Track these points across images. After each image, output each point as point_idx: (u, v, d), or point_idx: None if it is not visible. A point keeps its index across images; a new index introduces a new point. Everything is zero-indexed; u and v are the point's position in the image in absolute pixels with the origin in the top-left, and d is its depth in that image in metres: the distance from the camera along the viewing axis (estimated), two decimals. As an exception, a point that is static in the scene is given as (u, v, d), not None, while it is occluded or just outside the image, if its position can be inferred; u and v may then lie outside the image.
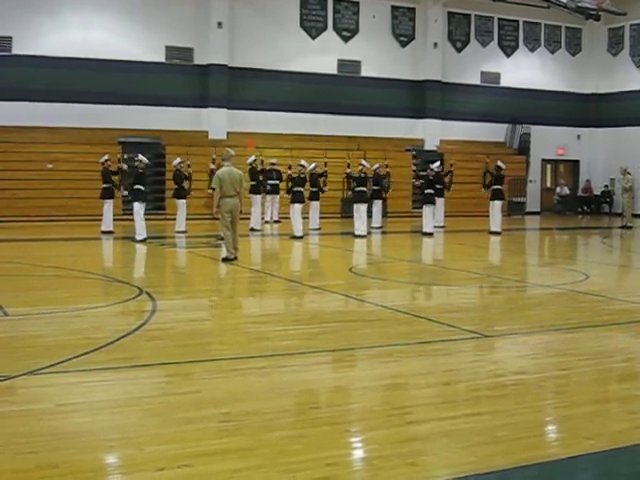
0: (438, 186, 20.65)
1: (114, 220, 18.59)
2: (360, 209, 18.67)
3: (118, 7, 23.80)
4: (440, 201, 21.30)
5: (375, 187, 21.15)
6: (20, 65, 22.43)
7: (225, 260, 13.08)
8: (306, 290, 10.74)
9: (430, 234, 19.15)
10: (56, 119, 22.52)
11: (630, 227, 23.44)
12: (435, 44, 28.33)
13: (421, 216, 19.72)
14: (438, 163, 21.04)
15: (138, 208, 16.81)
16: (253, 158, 20.76)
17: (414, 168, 23.88)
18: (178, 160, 19.41)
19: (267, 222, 21.67)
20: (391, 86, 27.79)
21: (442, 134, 28.45)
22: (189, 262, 14.87)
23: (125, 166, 18.54)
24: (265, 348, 6.84)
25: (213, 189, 13.40)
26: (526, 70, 30.31)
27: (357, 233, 18.46)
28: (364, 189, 19.20)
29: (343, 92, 26.78)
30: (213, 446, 4.38)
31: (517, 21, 30.37)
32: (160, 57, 24.57)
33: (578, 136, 31.66)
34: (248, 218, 19.22)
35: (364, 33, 27.42)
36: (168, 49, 24.65)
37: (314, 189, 19.88)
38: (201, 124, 24.85)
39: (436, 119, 28.47)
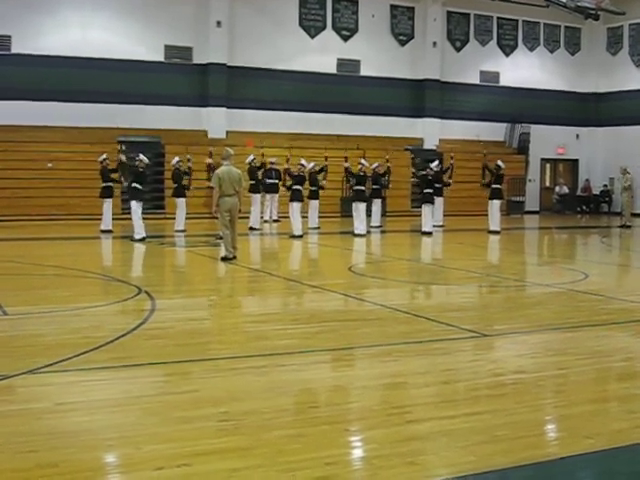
0: (437, 185, 20.65)
1: (113, 219, 18.59)
2: (359, 208, 18.67)
3: (117, 6, 23.79)
4: (439, 200, 21.31)
5: (374, 186, 21.17)
6: (19, 64, 22.42)
7: (224, 259, 13.08)
8: (305, 289, 10.74)
9: (429, 233, 19.15)
10: (56, 118, 22.51)
11: (629, 226, 23.45)
12: (434, 43, 28.34)
13: (420, 215, 19.71)
14: (437, 162, 21.03)
15: (135, 207, 16.81)
16: (252, 157, 20.75)
17: (412, 170, 23.85)
18: (177, 159, 19.41)
19: (266, 221, 21.67)
20: (390, 85, 27.80)
21: (441, 133, 28.47)
22: (188, 261, 14.87)
23: (124, 157, 18.45)
24: (264, 347, 6.84)
25: (211, 188, 13.40)
26: (525, 69, 30.32)
27: (356, 232, 18.46)
28: (363, 188, 19.19)
29: (342, 91, 26.79)
30: (212, 445, 4.38)
31: (516, 20, 30.38)
32: (159, 56, 24.57)
33: (577, 135, 31.68)
34: (247, 217, 19.21)
35: (363, 32, 27.43)
36: (167, 48, 24.65)
37: (313, 188, 19.88)
38: (200, 123, 24.86)
39: (435, 118, 28.50)
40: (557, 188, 31.24)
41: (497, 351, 7.20)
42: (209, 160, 19.36)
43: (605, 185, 31.02)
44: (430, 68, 28.37)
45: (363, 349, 6.98)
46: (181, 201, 19.23)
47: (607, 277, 12.87)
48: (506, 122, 29.86)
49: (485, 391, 5.66)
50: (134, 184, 17.17)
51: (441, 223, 21.64)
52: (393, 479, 3.99)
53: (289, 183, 19.17)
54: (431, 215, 19.62)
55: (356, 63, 27.45)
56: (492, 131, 29.27)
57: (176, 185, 19.27)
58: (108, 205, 18.40)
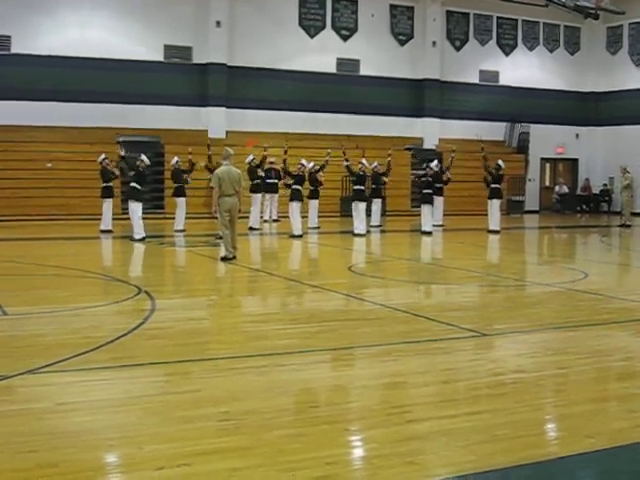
0: (437, 185, 20.65)
1: (113, 219, 18.58)
2: (359, 208, 18.67)
3: (117, 6, 23.79)
4: (439, 200, 21.31)
5: (374, 186, 21.19)
6: (19, 64, 22.42)
7: (224, 259, 13.08)
8: (305, 289, 10.74)
9: (429, 233, 19.15)
10: (55, 118, 22.51)
11: (629, 225, 23.45)
12: (434, 43, 28.34)
13: (420, 215, 19.71)
14: (436, 162, 21.02)
15: (134, 207, 16.80)
16: (252, 157, 20.74)
17: (413, 172, 23.87)
18: (176, 159, 19.42)
19: (266, 221, 21.67)
20: (390, 85, 27.80)
21: (441, 133, 28.46)
22: (188, 261, 14.87)
23: (123, 152, 18.38)
24: (264, 347, 6.84)
25: (211, 170, 13.32)
26: (525, 69, 30.32)
27: (356, 232, 18.45)
28: (363, 188, 19.19)
29: (342, 91, 26.79)
30: (212, 445, 4.38)
31: (516, 20, 30.38)
32: (159, 56, 24.57)
33: (577, 135, 31.68)
34: (247, 217, 19.21)
35: (363, 32, 27.43)
36: (167, 48, 24.65)
37: (313, 188, 19.88)
38: (200, 123, 24.85)
39: (435, 118, 28.50)
40: (557, 187, 31.23)
41: (497, 350, 7.20)
42: (209, 152, 19.26)
43: (605, 184, 31.02)
44: (430, 68, 28.37)
45: (363, 349, 6.99)
46: (181, 201, 19.22)
47: (607, 276, 12.87)
48: (506, 121, 29.87)
49: (485, 390, 5.67)
50: (133, 184, 17.17)
51: (441, 222, 21.64)
52: (393, 479, 3.99)
53: (290, 182, 19.14)
54: (431, 215, 19.62)
55: (356, 63, 27.45)
56: (492, 131, 29.24)
57: (176, 185, 19.27)
58: (108, 205, 18.39)
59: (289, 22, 26.32)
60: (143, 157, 17.54)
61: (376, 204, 21.31)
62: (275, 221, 21.92)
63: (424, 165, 22.17)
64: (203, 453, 4.25)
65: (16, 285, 10.61)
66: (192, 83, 24.90)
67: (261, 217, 20.94)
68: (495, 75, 30.04)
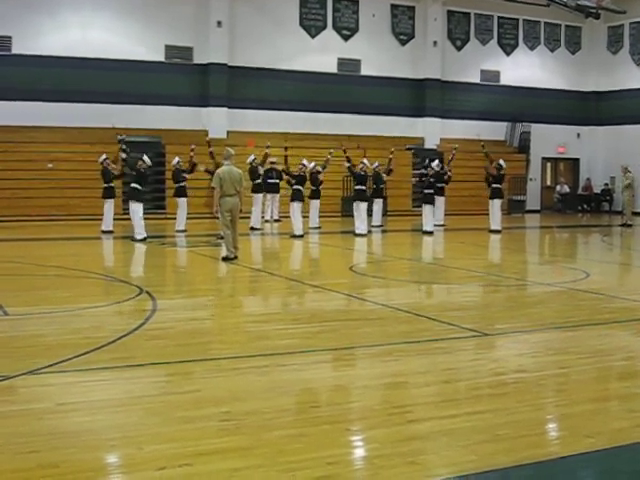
0: (439, 185, 20.65)
1: (114, 220, 18.58)
2: (360, 208, 18.66)
3: (118, 6, 23.80)
4: (440, 200, 21.30)
5: (375, 186, 21.20)
6: (20, 65, 22.43)
7: (225, 259, 13.08)
8: (306, 289, 10.74)
9: (430, 233, 19.15)
10: (56, 119, 22.52)
11: (630, 225, 23.43)
12: (435, 42, 28.33)
13: (421, 215, 19.71)
14: (437, 162, 21.02)
15: (135, 208, 16.81)
16: (253, 157, 20.75)
17: (414, 172, 23.85)
18: (177, 159, 19.42)
19: (267, 221, 21.67)
20: (391, 85, 27.79)
21: (442, 132, 28.44)
22: (189, 261, 14.87)
23: (124, 155, 18.37)
24: (265, 347, 6.84)
25: (211, 172, 13.34)
26: (526, 68, 30.31)
27: (357, 232, 18.45)
28: (364, 188, 19.19)
29: (343, 91, 26.78)
30: (213, 445, 4.38)
31: (517, 19, 30.36)
32: (160, 56, 24.57)
33: (578, 134, 31.66)
34: (248, 217, 19.21)
35: (364, 32, 27.41)
36: (168, 48, 24.65)
37: (314, 188, 19.89)
38: (201, 123, 24.83)
39: (436, 117, 28.48)
40: (558, 187, 31.22)
41: (498, 350, 7.20)
42: (210, 149, 19.21)
43: (606, 184, 31.00)
44: (431, 67, 28.36)
45: (364, 349, 6.98)
46: (182, 201, 19.23)
47: (608, 276, 12.86)
48: (507, 121, 29.86)
49: (486, 390, 5.67)
50: (134, 185, 17.18)
51: (442, 222, 21.63)
52: (394, 479, 3.99)
53: (292, 181, 19.13)
54: (432, 214, 19.62)
55: (357, 63, 27.44)
56: (493, 130, 29.23)
57: (177, 185, 19.28)
58: (109, 206, 18.39)
59: (290, 22, 26.32)
60: (145, 158, 17.53)
61: (377, 204, 21.31)
62: (276, 221, 21.92)
63: (426, 162, 22.17)
64: (204, 453, 4.25)
65: (17, 285, 10.62)
66: (193, 83, 24.90)
67: (262, 217, 20.94)
68: (496, 75, 30.03)
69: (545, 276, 12.83)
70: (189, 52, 24.98)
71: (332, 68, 27.05)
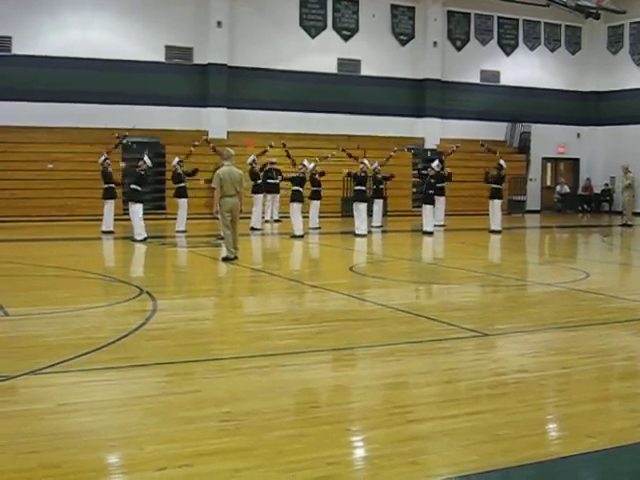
0: (439, 185, 20.64)
1: (114, 220, 18.57)
2: (360, 208, 18.66)
3: (118, 7, 23.79)
4: (440, 200, 21.29)
5: (375, 186, 21.21)
6: (20, 65, 22.43)
7: (225, 259, 13.08)
8: (306, 289, 10.74)
9: (430, 233, 19.15)
10: (56, 119, 22.52)
11: (630, 225, 23.44)
12: (435, 43, 28.33)
13: (421, 215, 19.71)
14: (437, 162, 21.01)
15: (135, 208, 16.81)
16: (253, 158, 20.75)
17: (415, 172, 23.82)
18: (177, 160, 19.43)
19: (267, 221, 21.67)
20: (391, 85, 27.79)
21: (442, 133, 28.43)
22: (189, 261, 14.87)
23: (124, 164, 18.41)
24: (265, 347, 6.84)
25: (213, 188, 13.38)
26: (526, 68, 30.30)
27: (357, 232, 18.45)
28: (364, 188, 19.19)
29: (343, 91, 26.78)
30: (213, 445, 4.38)
31: (517, 19, 30.36)
32: (160, 57, 24.56)
33: (578, 134, 31.66)
34: (248, 217, 19.21)
35: (364, 32, 27.41)
36: (168, 49, 24.65)
37: (314, 188, 19.90)
38: (201, 123, 24.84)
39: (436, 118, 28.48)
40: (558, 187, 31.22)
41: (499, 350, 7.20)
42: (204, 179, 19.27)
43: (606, 184, 31.00)
44: (431, 68, 28.36)
45: (364, 349, 6.98)
46: (182, 202, 19.23)
47: (608, 276, 12.86)
48: (507, 121, 29.85)
49: (487, 390, 5.66)
50: (134, 186, 17.18)
51: (442, 223, 21.62)
52: (395, 479, 3.99)
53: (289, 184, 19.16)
54: (432, 215, 19.61)
55: (357, 63, 27.44)
56: (493, 131, 29.24)
57: (177, 186, 19.28)
58: (110, 206, 18.38)
59: (290, 22, 26.31)
60: (145, 158, 17.55)
61: (377, 204, 21.32)
62: (276, 221, 21.92)
63: (427, 168, 22.18)
64: (204, 454, 4.25)
65: (17, 286, 10.61)
66: (193, 83, 24.89)
67: (262, 217, 20.95)
68: (496, 75, 30.03)
69: (545, 276, 12.83)
70: (189, 52, 24.97)
71: (332, 68, 27.05)
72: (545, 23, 30.86)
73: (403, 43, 28.21)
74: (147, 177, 17.88)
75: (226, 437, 4.54)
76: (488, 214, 20.55)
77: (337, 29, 27.12)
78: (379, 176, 21.18)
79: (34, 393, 5.44)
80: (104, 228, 18.26)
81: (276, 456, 4.23)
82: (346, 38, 27.25)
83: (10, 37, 22.52)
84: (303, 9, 26.54)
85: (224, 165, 13.29)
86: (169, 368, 6.19)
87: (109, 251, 16.65)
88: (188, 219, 19.27)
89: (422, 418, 4.94)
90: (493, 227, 20.13)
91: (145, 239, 16.54)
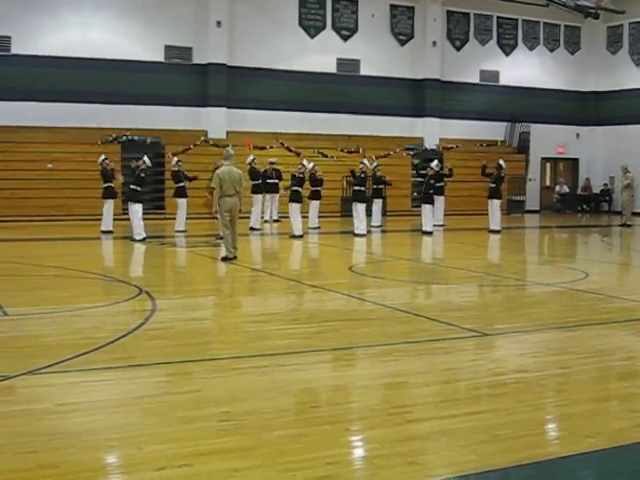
0: (438, 184, 20.64)
1: (114, 220, 18.57)
2: (359, 208, 18.65)
3: (117, 7, 23.79)
4: (440, 200, 21.30)
5: (375, 186, 21.23)
6: (19, 65, 22.41)
7: (225, 259, 13.08)
8: (306, 289, 10.75)
9: (430, 233, 19.15)
10: (56, 119, 22.51)
11: (629, 225, 23.44)
12: (434, 43, 28.32)
13: (421, 215, 19.71)
14: (437, 162, 21.02)
15: (135, 208, 16.81)
16: (252, 158, 20.76)
17: (414, 171, 23.82)
18: (176, 159, 19.42)
19: (266, 221, 21.66)
20: (390, 85, 27.79)
21: (441, 133, 28.43)
22: (189, 261, 14.87)
23: (122, 178, 18.53)
24: (265, 347, 6.84)
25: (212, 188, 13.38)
26: (525, 68, 30.30)
27: (357, 232, 18.45)
28: (363, 188, 19.19)
29: (342, 91, 26.77)
30: (213, 445, 4.38)
31: (516, 19, 30.36)
32: (159, 56, 24.55)
33: (577, 134, 31.65)
34: (248, 217, 19.21)
35: (363, 32, 27.41)
36: (167, 48, 24.64)
37: (314, 188, 19.91)
38: (200, 123, 24.83)
39: (435, 118, 28.47)
40: (557, 187, 31.22)
41: (498, 350, 7.20)
42: (207, 193, 19.31)
43: (605, 184, 31.00)
44: (430, 67, 28.36)
45: (364, 349, 6.98)
46: (182, 201, 19.23)
47: (608, 276, 12.86)
48: (506, 121, 29.84)
49: (486, 390, 5.67)
50: (133, 186, 17.18)
51: (442, 222, 21.63)
52: (394, 479, 3.99)
53: (288, 184, 19.17)
54: (431, 214, 19.61)
55: (356, 63, 27.44)
56: (492, 130, 29.25)
57: (176, 185, 19.28)
58: (109, 206, 18.37)
59: (289, 22, 26.31)
60: (145, 158, 17.55)
61: (377, 204, 21.33)
62: (276, 221, 21.92)
63: (426, 168, 22.19)
64: (204, 453, 4.25)
65: (16, 286, 10.61)
66: (192, 83, 24.88)
67: (262, 217, 20.94)
68: (495, 75, 30.03)
69: (544, 276, 12.83)
70: (188, 52, 24.96)
71: (331, 68, 27.04)
72: (544, 23, 30.86)
73: (402, 43, 28.21)
74: (147, 177, 17.88)
75: (225, 437, 4.54)
76: (487, 214, 20.56)
77: (336, 29, 27.12)
78: (378, 174, 21.21)
79: (33, 393, 5.44)
80: (103, 228, 18.26)
81: (276, 456, 4.24)
82: (345, 38, 27.24)
83: (10, 37, 22.51)
84: (302, 9, 26.54)
85: (223, 165, 13.29)
86: (168, 368, 6.18)
87: (108, 251, 16.65)
88: (187, 219, 19.28)
89: (421, 418, 4.94)
90: (492, 227, 20.14)
91: (144, 239, 16.54)
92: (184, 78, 24.83)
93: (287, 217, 19.06)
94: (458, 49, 29.31)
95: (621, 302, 9.60)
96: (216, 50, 24.87)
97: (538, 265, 15.07)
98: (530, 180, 30.16)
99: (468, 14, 29.47)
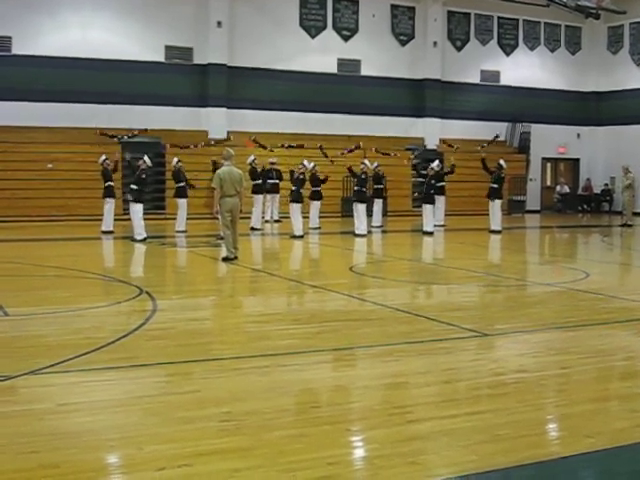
0: (439, 184, 20.64)
1: (114, 220, 18.56)
2: (359, 209, 18.65)
3: (118, 7, 23.79)
4: (441, 200, 21.30)
5: (376, 186, 21.23)
6: (20, 65, 22.42)
7: (225, 259, 13.08)
8: (306, 289, 10.75)
9: (430, 233, 19.14)
10: (56, 119, 22.52)
11: (630, 225, 23.44)
12: (435, 43, 28.32)
13: (421, 215, 19.71)
14: (437, 162, 21.02)
15: (135, 208, 16.81)
16: (253, 158, 20.77)
17: (413, 171, 23.79)
18: (177, 159, 19.43)
19: (267, 221, 21.67)
20: (391, 85, 27.79)
21: (442, 133, 28.44)
22: (189, 262, 14.87)
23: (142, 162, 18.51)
24: (266, 347, 6.84)
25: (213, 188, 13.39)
26: (526, 68, 30.30)
27: (357, 232, 18.45)
28: (363, 189, 19.18)
29: (343, 91, 26.78)
30: (213, 445, 4.38)
31: (517, 20, 30.36)
32: (160, 57, 24.56)
33: (578, 134, 31.65)
34: (248, 217, 19.21)
35: (364, 32, 27.41)
36: (168, 49, 24.64)
37: (314, 189, 19.91)
38: (200, 124, 24.84)
39: (436, 118, 28.48)
40: (558, 187, 31.23)
41: (498, 350, 7.20)
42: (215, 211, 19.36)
43: (606, 184, 30.99)
44: (430, 68, 28.36)
45: (364, 349, 6.98)
46: (182, 202, 19.24)
47: (608, 276, 12.86)
48: (507, 121, 29.85)
49: (486, 390, 5.67)
50: (133, 186, 17.19)
51: (442, 223, 21.63)
52: (394, 479, 3.99)
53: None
54: (432, 215, 19.61)
55: (357, 63, 27.44)
56: (493, 130, 29.26)
57: (177, 186, 19.29)
58: (110, 206, 18.36)
59: (290, 22, 26.31)
60: (145, 158, 17.55)
61: (377, 204, 21.33)
62: (276, 221, 21.92)
63: (427, 168, 22.20)
64: (204, 454, 4.25)
65: (17, 286, 10.62)
66: (192, 83, 24.89)
67: (262, 217, 20.95)
68: (496, 75, 30.03)
69: (545, 276, 12.83)
70: (189, 52, 24.97)
71: (332, 68, 27.05)
72: (545, 23, 30.86)
73: (403, 43, 28.21)
74: (147, 177, 17.87)
75: (226, 437, 4.54)
76: (488, 214, 20.55)
77: (337, 29, 27.12)
78: (380, 173, 21.22)
79: (34, 393, 5.44)
80: (104, 228, 18.26)
81: (276, 456, 4.24)
82: (346, 38, 27.25)
83: (10, 37, 22.52)
84: (303, 9, 26.54)
85: (224, 165, 13.29)
86: (169, 368, 6.19)
87: (109, 251, 16.65)
88: (188, 219, 19.28)
89: (421, 418, 4.94)
90: (493, 227, 20.14)
91: (145, 239, 16.54)
92: (184, 78, 24.84)
93: (288, 217, 19.06)
94: (459, 49, 29.31)
95: (621, 302, 9.60)
96: (216, 50, 24.88)
97: (539, 265, 15.07)
98: (531, 180, 30.15)
99: (469, 14, 29.47)
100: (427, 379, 5.95)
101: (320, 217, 20.33)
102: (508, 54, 30.32)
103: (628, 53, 30.52)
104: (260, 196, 20.58)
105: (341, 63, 27.19)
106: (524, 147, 29.83)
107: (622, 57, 30.76)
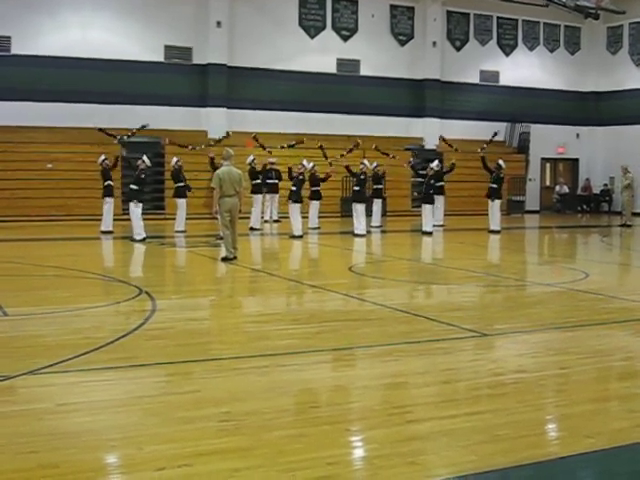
0: (438, 184, 20.64)
1: (113, 220, 18.57)
2: (357, 209, 18.64)
3: (117, 7, 23.79)
4: (440, 200, 21.32)
5: (375, 186, 21.22)
6: (19, 65, 22.41)
7: (225, 259, 13.08)
8: (306, 289, 10.75)
9: (430, 233, 19.15)
10: (55, 119, 22.51)
11: (629, 225, 23.44)
12: (434, 43, 28.32)
13: (421, 215, 19.71)
14: (437, 162, 21.03)
15: (134, 208, 16.81)
16: (252, 158, 20.78)
17: (412, 171, 23.75)
18: (176, 159, 19.43)
19: (266, 221, 21.67)
20: (390, 85, 27.79)
21: (441, 133, 28.42)
22: (188, 261, 14.87)
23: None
24: (265, 347, 6.85)
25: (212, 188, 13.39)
26: (525, 69, 30.31)
27: (356, 232, 18.45)
28: (362, 189, 19.17)
29: (342, 91, 26.78)
30: (213, 445, 4.38)
31: (516, 20, 30.36)
32: (159, 57, 24.55)
33: (577, 135, 31.65)
34: (248, 217, 19.21)
35: (363, 32, 27.41)
36: (167, 48, 24.63)
37: (314, 188, 19.91)
38: (200, 124, 24.84)
39: (435, 118, 28.47)
40: (557, 187, 31.23)
41: (498, 350, 7.20)
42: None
43: (605, 184, 31.01)
44: (430, 68, 28.36)
45: (364, 349, 6.99)
46: (181, 202, 19.23)
47: (607, 276, 12.87)
48: (506, 121, 29.84)
49: (486, 390, 5.67)
50: (133, 185, 17.19)
51: (441, 223, 21.64)
52: (394, 479, 3.99)
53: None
54: (431, 215, 19.61)
55: (356, 63, 27.44)
56: (492, 131, 29.23)
57: (176, 185, 19.28)
58: (109, 206, 18.36)
59: (289, 22, 26.31)
60: (144, 158, 17.55)
61: (377, 204, 21.33)
62: (276, 221, 21.93)
63: (426, 168, 22.20)
64: (204, 454, 4.26)
65: (16, 286, 10.61)
66: (192, 83, 24.88)
67: (262, 217, 20.95)
68: (495, 75, 30.03)
69: (544, 276, 12.83)
70: (188, 52, 24.97)
71: (331, 68, 27.05)
72: (544, 23, 30.86)
73: (402, 43, 28.22)
74: (146, 177, 17.87)
75: (225, 437, 4.54)
76: (487, 214, 20.56)
77: (336, 29, 27.12)
78: (380, 173, 21.23)
79: (33, 393, 5.44)
80: (103, 228, 18.26)
81: (276, 456, 4.24)
82: (345, 38, 27.25)
83: (10, 37, 22.51)
84: (302, 9, 26.54)
85: (223, 165, 13.29)
86: (168, 368, 6.19)
87: (108, 251, 16.65)
88: (187, 219, 19.28)
89: (421, 418, 4.94)
90: (492, 227, 20.14)
91: (144, 239, 16.54)
92: (184, 78, 24.83)
93: (287, 217, 19.06)
94: (458, 49, 29.32)
95: (621, 302, 9.60)
96: (216, 50, 24.87)
97: (538, 265, 15.08)
98: (530, 180, 30.17)
99: (468, 14, 29.47)
100: (426, 379, 5.95)
101: (319, 217, 20.34)
102: (507, 54, 30.33)
103: (627, 53, 30.53)
104: (259, 196, 20.58)
105: (340, 63, 27.19)
106: (523, 147, 29.84)
107: (621, 57, 30.77)
